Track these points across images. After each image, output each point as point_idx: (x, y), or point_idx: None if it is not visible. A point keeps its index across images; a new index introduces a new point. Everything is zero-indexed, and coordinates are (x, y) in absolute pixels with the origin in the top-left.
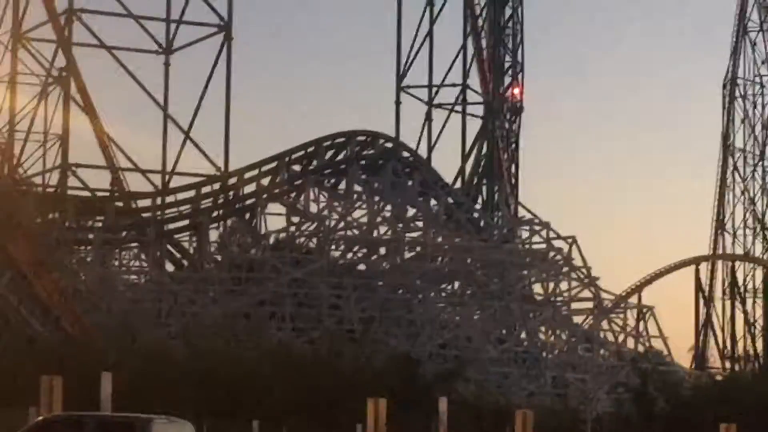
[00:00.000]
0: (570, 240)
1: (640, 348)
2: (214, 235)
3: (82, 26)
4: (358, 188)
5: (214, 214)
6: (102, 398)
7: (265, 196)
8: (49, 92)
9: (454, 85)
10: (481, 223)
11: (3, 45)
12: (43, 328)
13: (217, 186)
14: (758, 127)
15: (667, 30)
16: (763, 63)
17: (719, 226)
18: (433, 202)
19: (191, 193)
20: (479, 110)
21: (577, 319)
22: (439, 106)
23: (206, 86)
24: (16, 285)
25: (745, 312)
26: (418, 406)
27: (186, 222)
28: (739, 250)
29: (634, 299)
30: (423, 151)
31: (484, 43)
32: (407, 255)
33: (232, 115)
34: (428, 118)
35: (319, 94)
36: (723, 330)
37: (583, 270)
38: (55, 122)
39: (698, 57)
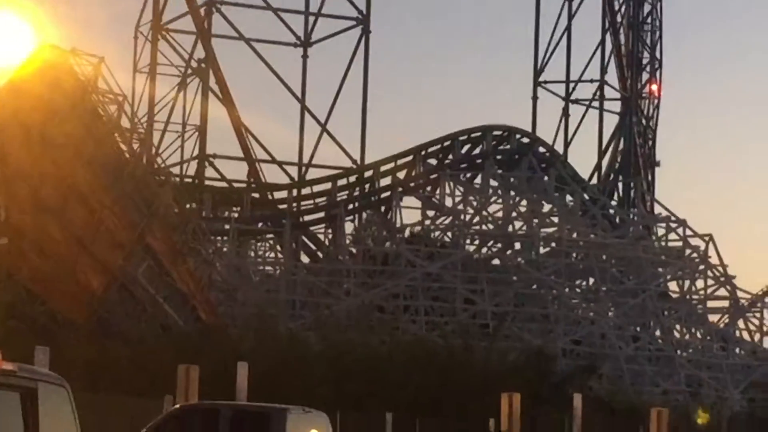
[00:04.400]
0: (707, 238)
1: None
2: (349, 227)
3: (221, 18)
4: (493, 183)
5: (350, 206)
6: (238, 387)
7: (400, 189)
8: (187, 83)
9: (591, 80)
10: (617, 220)
11: (143, 36)
12: (178, 317)
13: (353, 178)
14: None
15: None
16: None
17: None
18: (568, 197)
19: (327, 186)
20: (617, 106)
21: (713, 317)
22: (576, 101)
23: (343, 79)
24: (152, 274)
25: None
26: (551, 402)
27: (321, 214)
28: None
29: None
30: (559, 147)
31: (622, 39)
32: (542, 250)
33: (369, 107)
34: (565, 113)
35: (456, 88)
36: None
37: (720, 268)
38: (194, 113)
39: None
